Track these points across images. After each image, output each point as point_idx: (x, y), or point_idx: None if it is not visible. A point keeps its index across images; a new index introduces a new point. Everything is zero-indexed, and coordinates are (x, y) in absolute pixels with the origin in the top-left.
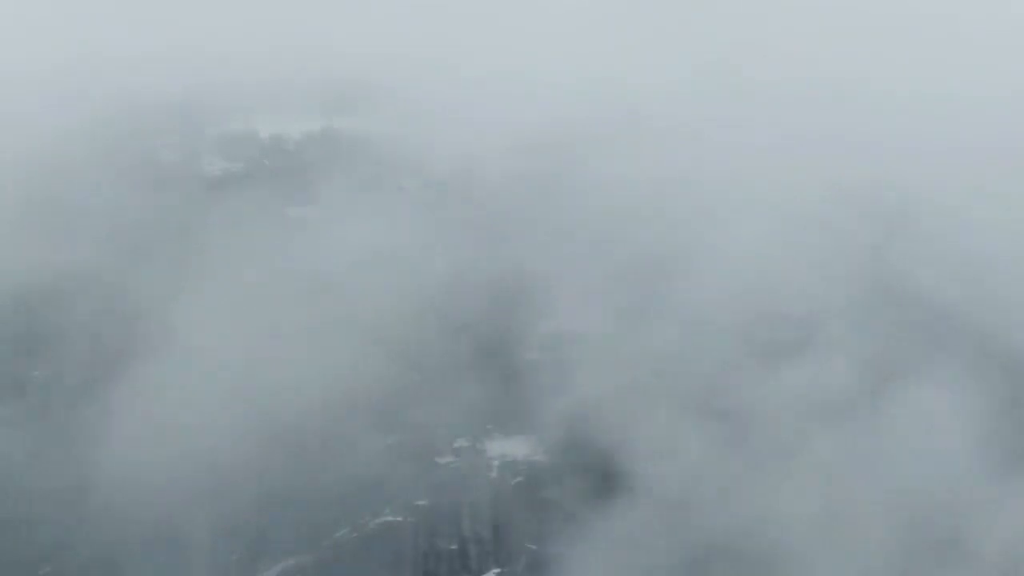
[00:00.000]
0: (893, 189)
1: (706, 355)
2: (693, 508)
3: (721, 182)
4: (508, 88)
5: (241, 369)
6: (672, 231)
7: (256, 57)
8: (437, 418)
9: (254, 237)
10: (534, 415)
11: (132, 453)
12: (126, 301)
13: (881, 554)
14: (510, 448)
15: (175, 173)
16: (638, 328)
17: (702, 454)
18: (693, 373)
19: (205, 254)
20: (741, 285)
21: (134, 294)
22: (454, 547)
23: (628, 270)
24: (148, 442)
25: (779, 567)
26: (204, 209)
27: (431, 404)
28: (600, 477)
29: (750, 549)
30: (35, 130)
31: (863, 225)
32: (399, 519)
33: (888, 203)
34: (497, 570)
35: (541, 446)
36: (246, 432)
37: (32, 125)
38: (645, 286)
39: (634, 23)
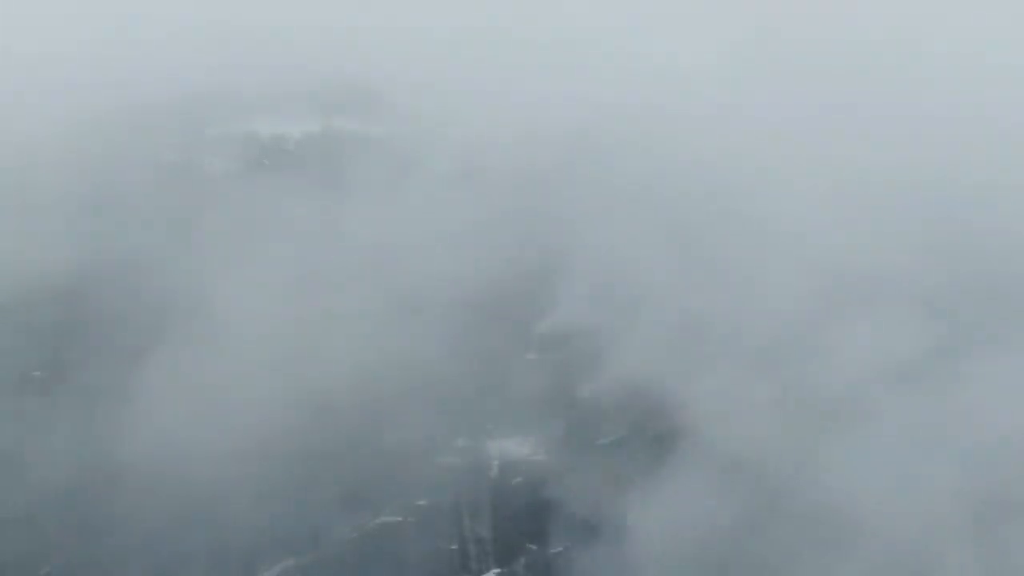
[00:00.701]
0: (955, 155)
1: (765, 321)
2: (732, 479)
3: (764, 156)
4: (519, 76)
5: (238, 372)
6: (716, 205)
7: (256, 57)
8: (437, 418)
9: (254, 237)
10: (536, 414)
11: (130, 454)
12: (126, 302)
13: (953, 518)
14: (510, 448)
15: (175, 173)
16: (680, 299)
17: (765, 423)
18: (753, 340)
19: (205, 254)
20: (800, 251)
21: (133, 296)
22: (454, 547)
23: (663, 247)
24: (146, 443)
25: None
26: (205, 208)
27: (432, 403)
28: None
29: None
30: (34, 130)
31: (924, 191)
32: (399, 519)
33: (951, 169)
34: (497, 570)
35: (541, 446)
36: (245, 433)
37: (31, 124)
38: (688, 261)
39: None
